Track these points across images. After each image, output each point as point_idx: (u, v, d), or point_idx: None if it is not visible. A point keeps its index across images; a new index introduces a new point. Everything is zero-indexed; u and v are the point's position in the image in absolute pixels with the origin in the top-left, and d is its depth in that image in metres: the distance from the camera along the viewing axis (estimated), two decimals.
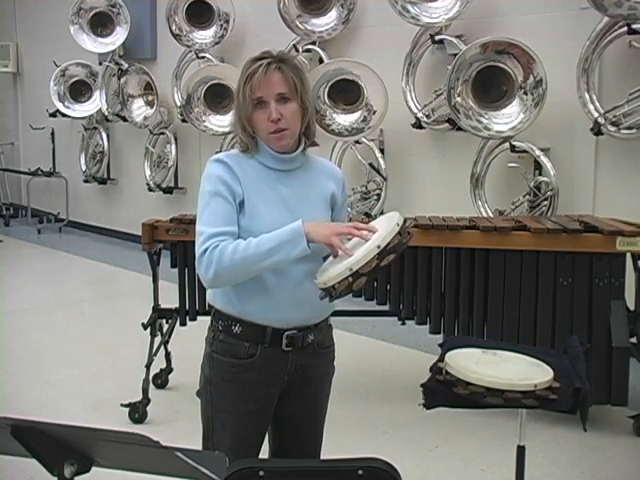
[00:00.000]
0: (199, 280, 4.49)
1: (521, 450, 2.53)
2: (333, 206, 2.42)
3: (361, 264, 2.06)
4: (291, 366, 2.34)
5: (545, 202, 5.62)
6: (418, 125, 6.37)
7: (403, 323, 4.59)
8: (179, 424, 4.23)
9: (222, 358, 2.33)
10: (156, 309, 4.62)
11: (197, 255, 2.19)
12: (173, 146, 8.69)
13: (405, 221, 2.17)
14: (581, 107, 5.38)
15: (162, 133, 8.87)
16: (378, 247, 2.06)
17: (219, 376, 2.34)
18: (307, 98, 2.32)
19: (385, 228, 2.12)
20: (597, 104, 5.33)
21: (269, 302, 2.27)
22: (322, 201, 2.38)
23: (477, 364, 2.41)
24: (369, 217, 5.15)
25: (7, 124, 11.80)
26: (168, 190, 8.83)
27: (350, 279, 2.07)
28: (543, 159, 5.62)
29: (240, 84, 2.26)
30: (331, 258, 2.29)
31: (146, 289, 4.75)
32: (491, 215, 5.87)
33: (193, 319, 4.55)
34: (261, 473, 1.74)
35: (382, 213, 6.45)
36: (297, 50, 7.13)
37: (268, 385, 2.34)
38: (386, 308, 4.51)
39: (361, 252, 2.07)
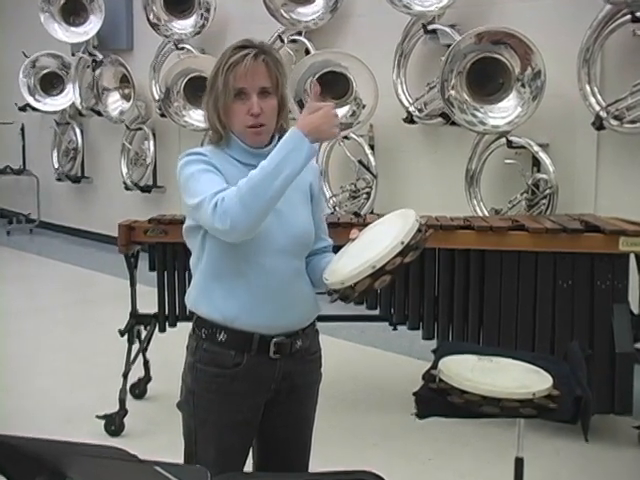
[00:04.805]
0: (179, 284, 4.51)
1: (519, 462, 2.54)
2: (312, 197, 2.44)
3: (385, 261, 2.05)
4: (278, 374, 2.34)
5: (544, 200, 5.63)
6: (410, 120, 6.38)
7: (394, 328, 4.59)
8: (158, 436, 4.22)
9: (206, 368, 2.32)
10: (134, 315, 4.61)
11: (209, 217, 2.11)
12: (151, 142, 8.68)
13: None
14: (582, 100, 5.40)
15: (139, 129, 8.85)
16: (402, 243, 2.07)
17: (203, 387, 2.33)
18: (285, 94, 2.36)
19: (404, 224, 2.13)
20: (599, 97, 5.35)
21: (255, 304, 2.27)
22: (302, 194, 2.40)
23: (472, 371, 2.42)
24: (358, 216, 5.15)
25: None
26: (146, 189, 8.82)
27: (372, 278, 2.07)
28: (542, 155, 5.64)
29: (219, 72, 2.26)
30: (337, 257, 2.30)
31: (123, 294, 4.74)
32: (487, 214, 5.89)
33: (173, 325, 4.54)
34: None
35: (372, 212, 6.46)
36: (282, 41, 7.13)
37: (255, 395, 2.34)
38: (376, 313, 4.51)
39: (384, 248, 2.08)
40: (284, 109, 2.36)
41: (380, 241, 2.13)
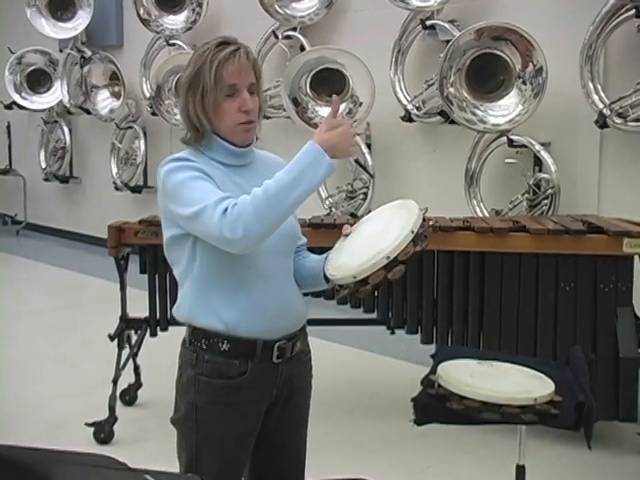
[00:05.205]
0: (171, 287, 4.50)
1: (521, 470, 2.54)
2: None
3: (399, 250, 2.08)
4: (280, 379, 2.36)
5: (545, 201, 5.63)
6: (408, 118, 6.38)
7: (392, 332, 4.60)
8: (148, 444, 4.22)
9: (210, 380, 2.30)
10: (124, 319, 4.60)
11: (215, 223, 2.09)
12: (142, 141, 8.67)
13: None
14: (584, 98, 5.40)
15: (130, 127, 8.85)
16: (412, 232, 2.10)
17: (207, 400, 2.31)
18: (262, 95, 2.38)
19: (409, 213, 2.18)
20: (602, 94, 5.35)
21: (256, 309, 2.27)
22: None
23: (472, 376, 2.42)
24: (355, 217, 5.15)
25: None
26: (136, 189, 8.81)
27: (386, 269, 2.09)
28: (543, 154, 5.64)
29: (206, 68, 2.25)
30: (335, 254, 2.31)
31: (113, 297, 4.73)
32: (487, 215, 5.89)
33: (164, 329, 4.54)
34: None
35: (369, 212, 6.46)
36: (276, 37, 7.13)
37: (258, 403, 2.35)
38: (374, 316, 4.52)
39: (395, 239, 2.10)
40: (262, 109, 2.38)
41: (387, 232, 2.15)
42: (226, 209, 2.09)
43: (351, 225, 2.39)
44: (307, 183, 2.10)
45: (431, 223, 2.19)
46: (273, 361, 2.32)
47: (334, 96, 2.29)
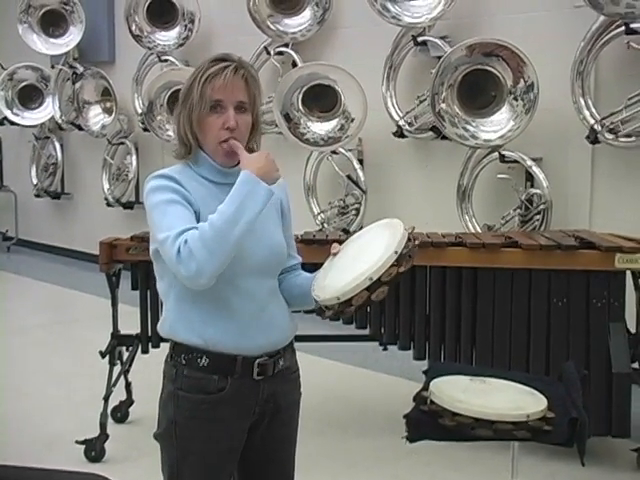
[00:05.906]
0: (162, 303, 4.48)
1: None
2: (282, 214, 2.46)
3: (382, 272, 2.08)
4: (262, 396, 2.34)
5: (537, 216, 5.65)
6: (400, 134, 6.39)
7: (385, 348, 4.59)
8: (140, 462, 4.20)
9: (189, 395, 2.30)
10: (115, 335, 4.59)
11: (173, 260, 2.12)
12: (134, 157, 8.67)
13: None
14: (576, 113, 5.42)
15: (121, 143, 8.85)
16: (396, 252, 2.09)
17: (186, 415, 2.30)
18: (260, 114, 2.39)
19: (393, 233, 2.17)
20: (593, 110, 5.38)
21: (236, 327, 2.27)
22: (274, 212, 2.42)
23: (465, 393, 2.42)
24: (347, 233, 5.15)
25: None
26: (128, 205, 8.81)
27: (369, 290, 2.08)
28: (535, 170, 5.66)
29: (196, 82, 2.27)
30: (322, 273, 2.31)
31: (104, 314, 4.72)
32: (479, 231, 5.89)
33: (156, 346, 4.52)
34: None
35: (361, 228, 6.46)
36: (269, 53, 7.15)
37: (240, 419, 2.33)
38: (366, 332, 4.51)
39: (378, 260, 2.10)
40: (257, 129, 2.38)
41: (371, 253, 2.15)
42: (179, 248, 2.11)
43: (339, 244, 2.39)
44: (249, 212, 2.14)
45: (416, 243, 2.18)
46: (254, 378, 2.31)
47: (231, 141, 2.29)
